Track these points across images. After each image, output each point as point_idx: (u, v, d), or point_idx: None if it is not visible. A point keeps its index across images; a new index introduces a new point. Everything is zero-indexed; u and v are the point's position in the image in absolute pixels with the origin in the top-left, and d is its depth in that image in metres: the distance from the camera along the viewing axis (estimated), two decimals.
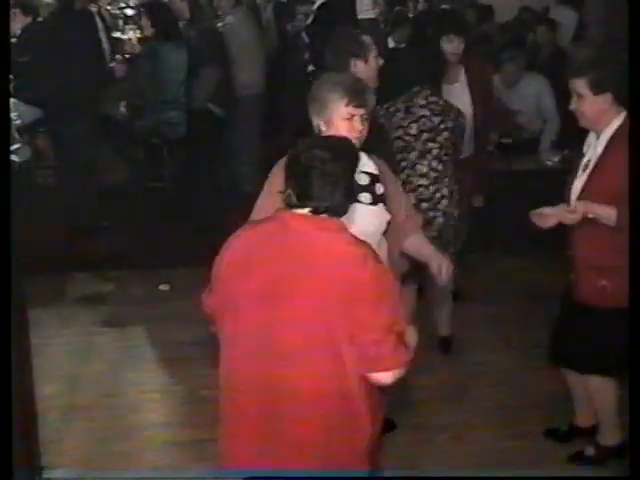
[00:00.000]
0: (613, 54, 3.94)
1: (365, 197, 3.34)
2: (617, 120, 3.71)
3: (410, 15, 9.22)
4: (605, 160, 3.73)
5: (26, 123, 6.82)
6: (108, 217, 6.87)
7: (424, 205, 4.58)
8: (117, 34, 8.83)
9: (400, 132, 4.57)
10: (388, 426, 4.32)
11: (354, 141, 3.12)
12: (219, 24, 7.25)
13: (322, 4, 7.92)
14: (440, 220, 4.63)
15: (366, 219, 3.25)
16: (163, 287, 5.96)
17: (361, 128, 3.27)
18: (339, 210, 2.67)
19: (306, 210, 2.64)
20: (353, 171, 2.72)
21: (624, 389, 3.92)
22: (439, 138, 4.60)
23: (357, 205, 3.06)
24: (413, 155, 4.58)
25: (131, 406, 4.69)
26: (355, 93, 3.28)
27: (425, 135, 4.58)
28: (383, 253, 3.26)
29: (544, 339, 4.32)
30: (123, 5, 9.55)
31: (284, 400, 2.62)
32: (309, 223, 2.64)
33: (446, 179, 4.64)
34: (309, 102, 3.36)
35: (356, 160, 2.77)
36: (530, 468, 4.03)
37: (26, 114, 6.77)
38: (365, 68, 4.02)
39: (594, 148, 3.79)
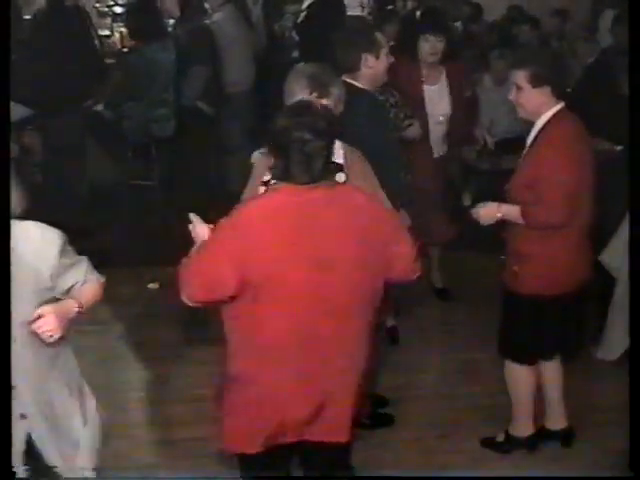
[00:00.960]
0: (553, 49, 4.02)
1: None
2: (550, 112, 3.74)
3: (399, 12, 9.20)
4: (531, 151, 3.80)
5: (13, 121, 6.78)
6: (96, 215, 6.85)
7: None
8: (105, 32, 8.80)
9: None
10: (387, 420, 4.39)
11: None
12: (207, 21, 7.24)
13: (313, 3, 7.91)
14: None
15: None
16: (152, 286, 5.95)
17: None
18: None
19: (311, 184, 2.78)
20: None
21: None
22: None
23: None
24: None
25: (119, 405, 4.68)
26: (318, 83, 3.40)
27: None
28: None
29: None
30: (112, 3, 9.51)
31: (334, 355, 2.85)
32: (328, 190, 2.82)
33: None
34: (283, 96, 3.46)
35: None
36: (517, 465, 4.05)
37: (13, 112, 6.73)
38: (376, 64, 4.06)
39: (530, 138, 3.86)
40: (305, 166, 2.76)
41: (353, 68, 4.06)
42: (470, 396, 4.70)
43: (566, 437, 4.21)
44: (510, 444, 4.16)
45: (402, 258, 2.95)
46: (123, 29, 8.63)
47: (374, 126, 3.95)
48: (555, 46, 8.34)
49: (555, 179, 3.61)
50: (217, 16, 7.26)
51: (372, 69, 4.05)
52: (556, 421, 4.18)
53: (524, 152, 3.88)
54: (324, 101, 3.33)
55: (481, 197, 6.65)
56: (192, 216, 3.07)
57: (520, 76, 3.72)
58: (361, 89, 4.06)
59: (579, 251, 3.87)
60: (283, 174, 2.81)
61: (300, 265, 2.75)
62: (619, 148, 5.83)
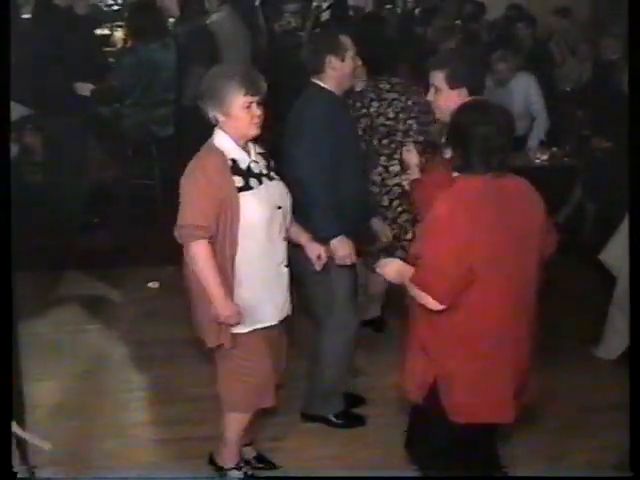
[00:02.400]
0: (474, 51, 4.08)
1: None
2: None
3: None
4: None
5: (13, 121, 6.78)
6: (96, 215, 6.85)
7: None
8: (104, 31, 8.81)
9: (382, 119, 4.92)
10: (358, 421, 4.42)
11: (255, 127, 3.53)
12: (207, 21, 7.24)
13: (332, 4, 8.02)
14: None
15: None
16: (152, 285, 5.96)
17: (259, 113, 3.54)
18: None
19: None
20: None
21: None
22: (412, 114, 4.91)
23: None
24: (399, 136, 4.92)
25: (119, 404, 4.68)
26: (250, 81, 3.51)
27: (402, 115, 4.91)
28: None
29: (539, 337, 4.30)
30: (111, 2, 9.52)
31: (528, 330, 3.26)
32: (508, 179, 3.17)
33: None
34: (204, 97, 3.59)
35: None
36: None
37: (13, 112, 6.72)
38: (340, 66, 4.09)
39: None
40: (489, 158, 3.07)
41: (318, 70, 4.10)
42: None
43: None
44: None
45: (550, 238, 3.36)
46: (122, 29, 8.65)
47: (330, 128, 4.01)
48: (555, 46, 8.39)
49: None
50: (216, 16, 7.26)
51: (336, 71, 4.08)
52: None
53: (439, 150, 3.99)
54: (257, 97, 3.51)
55: None
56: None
57: (438, 77, 3.74)
58: (326, 90, 4.11)
59: None
60: (468, 166, 3.10)
61: (510, 247, 3.08)
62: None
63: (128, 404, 4.71)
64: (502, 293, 3.11)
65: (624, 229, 4.64)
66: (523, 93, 6.88)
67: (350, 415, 4.44)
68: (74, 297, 5.85)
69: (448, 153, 3.24)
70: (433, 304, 3.08)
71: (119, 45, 8.48)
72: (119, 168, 7.19)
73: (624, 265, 4.49)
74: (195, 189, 3.48)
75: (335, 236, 4.05)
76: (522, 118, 6.96)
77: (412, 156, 4.01)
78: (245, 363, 3.67)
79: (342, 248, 4.07)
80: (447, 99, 3.70)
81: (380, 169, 4.99)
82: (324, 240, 4.01)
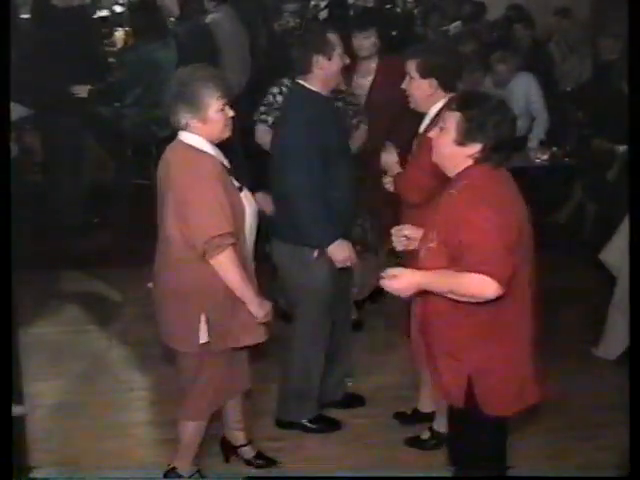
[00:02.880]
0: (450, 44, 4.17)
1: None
2: (440, 103, 3.89)
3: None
4: (422, 140, 3.88)
5: (12, 121, 6.78)
6: (96, 215, 6.85)
7: None
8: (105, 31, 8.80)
9: None
10: (334, 425, 4.41)
11: (228, 129, 3.52)
12: (206, 21, 7.24)
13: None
14: None
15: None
16: (152, 285, 5.94)
17: (232, 114, 3.53)
18: None
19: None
20: None
21: None
22: None
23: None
24: None
25: (120, 404, 4.68)
26: (222, 84, 3.51)
27: None
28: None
29: (539, 336, 4.29)
30: (112, 2, 9.52)
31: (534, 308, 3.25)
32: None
33: None
34: (176, 102, 3.45)
35: None
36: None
37: (13, 112, 6.72)
38: (328, 65, 4.02)
39: (422, 127, 3.99)
40: (507, 150, 3.12)
41: (305, 70, 4.03)
42: None
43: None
44: (436, 440, 4.20)
45: None
46: (122, 28, 8.65)
47: (317, 131, 3.94)
48: (554, 46, 8.39)
49: None
50: (214, 16, 7.26)
51: (324, 70, 4.01)
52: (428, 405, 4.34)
53: (416, 140, 4.03)
54: (228, 98, 3.51)
55: None
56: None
57: (411, 66, 3.93)
58: (312, 91, 4.04)
59: None
60: (492, 158, 3.07)
61: (530, 234, 3.13)
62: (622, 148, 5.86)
63: (128, 404, 4.72)
64: (527, 281, 3.13)
65: (624, 229, 4.64)
66: (523, 93, 6.88)
67: (326, 419, 4.41)
68: (74, 297, 5.85)
69: (433, 133, 3.19)
70: (494, 289, 2.94)
71: (119, 45, 8.47)
72: (119, 168, 7.19)
73: (624, 265, 4.50)
74: (210, 197, 3.40)
75: (331, 242, 4.01)
76: (522, 118, 6.96)
77: (390, 156, 4.10)
78: (225, 370, 3.70)
79: (341, 252, 4.04)
80: (418, 88, 3.90)
81: None
82: (320, 247, 4.00)
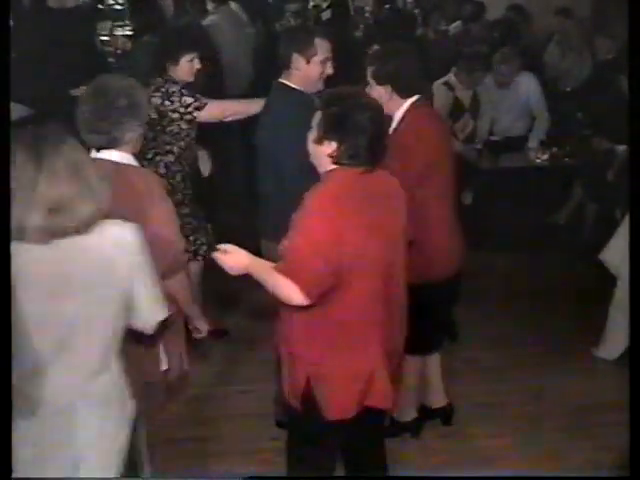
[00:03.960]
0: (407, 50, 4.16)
1: None
2: (406, 105, 3.96)
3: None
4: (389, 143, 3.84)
5: (13, 120, 6.77)
6: None
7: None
8: (106, 30, 8.80)
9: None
10: None
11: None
12: (204, 22, 7.24)
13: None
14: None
15: None
16: None
17: None
18: None
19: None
20: None
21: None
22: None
23: None
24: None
25: None
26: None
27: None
28: None
29: (537, 336, 4.33)
30: (112, 2, 9.53)
31: (399, 319, 3.21)
32: (382, 175, 3.10)
33: None
34: (126, 115, 3.18)
35: None
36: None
37: (13, 111, 6.71)
38: (305, 68, 3.98)
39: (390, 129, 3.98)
40: (360, 150, 2.97)
41: (285, 65, 4.01)
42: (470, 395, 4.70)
43: (447, 414, 4.40)
44: (396, 428, 4.24)
45: (410, 229, 3.25)
46: (123, 28, 8.65)
47: (302, 127, 3.90)
48: (555, 46, 8.38)
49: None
50: (213, 17, 7.27)
51: (300, 71, 3.97)
52: (439, 400, 4.37)
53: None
54: None
55: (481, 195, 6.69)
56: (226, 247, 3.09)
57: (369, 73, 4.00)
58: (291, 89, 4.00)
59: (456, 236, 4.07)
60: (347, 159, 2.98)
61: (376, 242, 3.00)
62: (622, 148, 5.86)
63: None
64: (366, 290, 3.03)
65: (624, 229, 4.64)
66: (524, 93, 6.88)
67: None
68: None
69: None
70: (298, 298, 2.91)
71: (119, 45, 8.46)
72: None
73: (624, 265, 4.50)
74: (172, 214, 3.29)
75: None
76: (523, 118, 6.97)
77: None
78: None
79: None
80: (376, 93, 3.88)
81: None
82: None
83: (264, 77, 7.37)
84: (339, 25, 7.67)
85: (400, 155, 3.64)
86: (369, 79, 3.99)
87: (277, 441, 4.26)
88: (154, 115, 4.45)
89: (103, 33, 8.61)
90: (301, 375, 3.07)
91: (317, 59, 3.97)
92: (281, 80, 4.07)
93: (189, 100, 4.58)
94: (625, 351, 4.63)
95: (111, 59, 7.78)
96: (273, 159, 3.92)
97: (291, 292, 2.91)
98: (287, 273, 2.91)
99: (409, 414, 4.30)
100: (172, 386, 3.58)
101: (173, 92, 4.58)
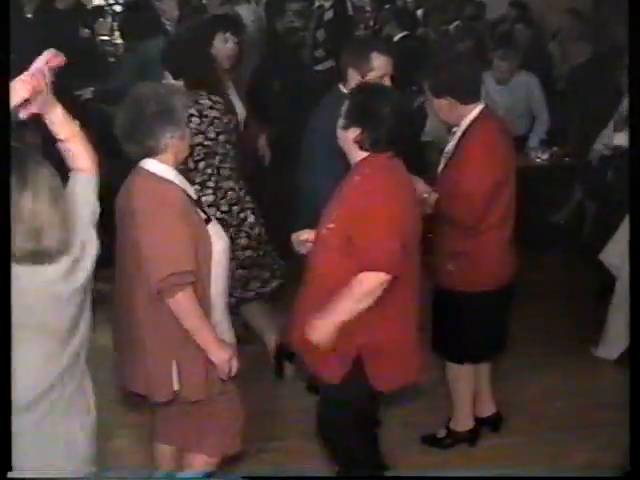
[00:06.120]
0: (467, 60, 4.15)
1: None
2: (470, 116, 3.83)
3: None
4: (455, 153, 3.87)
5: (14, 120, 6.77)
6: (99, 215, 6.83)
7: (235, 208, 4.45)
8: (105, 31, 8.80)
9: (200, 138, 4.24)
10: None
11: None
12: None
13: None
14: (251, 218, 4.52)
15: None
16: None
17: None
18: None
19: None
20: None
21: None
22: (232, 137, 4.42)
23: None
24: (217, 159, 4.36)
25: (119, 404, 4.68)
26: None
27: (222, 137, 4.33)
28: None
29: (539, 336, 4.31)
30: (112, 2, 9.53)
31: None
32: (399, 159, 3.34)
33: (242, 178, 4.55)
34: (161, 122, 3.13)
35: None
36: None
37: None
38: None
39: (453, 141, 3.93)
40: (393, 136, 3.21)
41: (342, 76, 3.98)
42: None
43: (495, 422, 4.34)
44: (452, 439, 4.22)
45: None
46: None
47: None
48: (557, 46, 8.38)
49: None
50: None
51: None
52: (487, 409, 4.30)
53: (447, 152, 3.97)
54: None
55: None
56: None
57: (425, 86, 3.95)
58: (343, 94, 3.92)
59: (508, 248, 3.98)
60: (370, 144, 3.21)
61: (415, 218, 3.32)
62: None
63: (128, 404, 4.71)
64: (410, 264, 3.28)
65: (624, 229, 4.64)
66: (524, 92, 6.88)
67: None
68: None
69: (353, 133, 3.25)
70: (384, 282, 3.12)
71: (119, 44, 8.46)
72: (120, 169, 7.17)
73: (624, 265, 4.50)
74: (170, 230, 3.05)
75: None
76: (523, 117, 6.96)
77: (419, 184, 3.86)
78: (227, 405, 3.43)
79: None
80: (438, 106, 3.85)
81: None
82: None
83: (266, 74, 7.44)
84: (339, 25, 7.69)
85: (468, 171, 3.65)
86: (427, 93, 3.91)
87: (277, 441, 4.27)
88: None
89: (103, 33, 8.63)
90: (350, 349, 3.22)
91: (373, 75, 3.83)
92: (340, 86, 4.00)
93: None
94: (625, 351, 4.63)
95: (111, 59, 7.80)
96: (312, 159, 3.93)
97: (376, 283, 3.12)
98: (367, 264, 3.11)
99: (466, 424, 4.21)
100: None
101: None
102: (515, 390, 4.71)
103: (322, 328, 3.17)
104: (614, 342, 4.95)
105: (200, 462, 3.55)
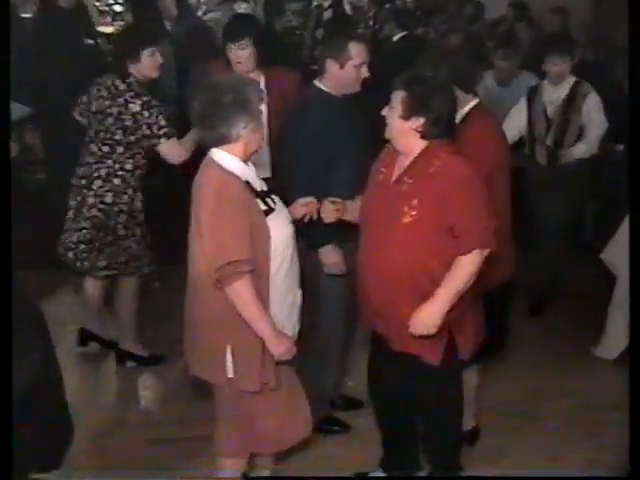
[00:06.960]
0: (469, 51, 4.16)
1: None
2: (464, 110, 3.90)
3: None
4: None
5: (13, 120, 6.78)
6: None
7: (83, 182, 4.74)
8: (106, 30, 8.81)
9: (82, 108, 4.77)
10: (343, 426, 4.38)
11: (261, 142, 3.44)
12: (204, 17, 7.26)
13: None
14: (90, 199, 4.74)
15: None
16: (158, 285, 5.94)
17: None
18: None
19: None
20: None
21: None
22: (107, 121, 4.62)
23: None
24: (91, 132, 4.72)
25: (120, 403, 4.68)
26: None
27: (98, 116, 4.66)
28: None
29: (539, 336, 4.31)
30: (112, 1, 9.53)
31: None
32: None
33: (109, 161, 4.68)
34: (236, 112, 3.20)
35: None
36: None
37: (13, 111, 6.72)
38: (339, 73, 3.96)
39: None
40: (449, 125, 3.42)
41: (320, 71, 4.03)
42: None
43: (472, 436, 4.27)
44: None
45: None
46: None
47: (323, 132, 3.88)
48: None
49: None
50: (212, 15, 7.27)
51: (334, 76, 3.97)
52: (466, 422, 4.08)
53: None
54: None
55: None
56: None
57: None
58: (324, 92, 4.01)
59: (505, 243, 3.93)
60: (434, 132, 3.38)
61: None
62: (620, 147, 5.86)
63: (128, 404, 4.72)
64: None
65: (624, 229, 4.65)
66: (525, 93, 6.87)
67: (336, 421, 4.40)
68: (76, 297, 5.85)
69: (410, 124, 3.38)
70: (484, 255, 3.35)
71: None
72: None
73: (624, 265, 4.50)
74: (228, 220, 3.15)
75: (323, 245, 3.97)
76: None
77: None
78: (278, 397, 3.42)
79: (329, 257, 3.99)
80: None
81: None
82: (312, 248, 3.95)
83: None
84: (338, 25, 7.68)
85: (469, 152, 3.62)
86: None
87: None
88: None
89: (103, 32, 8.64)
90: (445, 326, 3.40)
91: (351, 64, 3.94)
92: (316, 83, 4.05)
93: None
94: (625, 351, 4.64)
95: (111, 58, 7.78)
96: (293, 157, 3.97)
97: (480, 260, 3.35)
98: (471, 244, 3.31)
99: (467, 423, 4.14)
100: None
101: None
102: (515, 390, 4.71)
103: (431, 318, 3.36)
104: (614, 342, 4.95)
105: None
